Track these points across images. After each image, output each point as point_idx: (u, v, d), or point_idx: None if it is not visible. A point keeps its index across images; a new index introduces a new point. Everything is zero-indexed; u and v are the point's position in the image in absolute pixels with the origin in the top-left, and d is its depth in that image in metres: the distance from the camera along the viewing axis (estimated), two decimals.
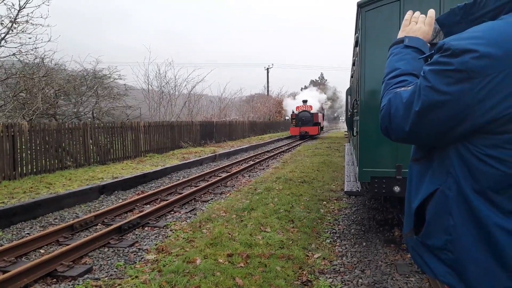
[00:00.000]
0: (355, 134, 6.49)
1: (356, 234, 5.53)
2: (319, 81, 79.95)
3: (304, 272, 4.16)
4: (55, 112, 14.61)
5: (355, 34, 6.73)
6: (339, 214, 6.58)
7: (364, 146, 4.90)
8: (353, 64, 9.48)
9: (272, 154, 17.32)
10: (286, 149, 20.25)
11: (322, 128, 36.22)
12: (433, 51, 1.21)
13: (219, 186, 9.49)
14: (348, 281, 3.99)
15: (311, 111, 30.29)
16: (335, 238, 5.40)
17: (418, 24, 1.41)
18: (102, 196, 8.29)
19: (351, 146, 10.32)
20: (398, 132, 1.19)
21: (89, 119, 15.76)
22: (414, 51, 1.35)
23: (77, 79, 16.16)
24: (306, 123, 29.11)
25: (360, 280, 3.99)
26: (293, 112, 30.80)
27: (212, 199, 8.06)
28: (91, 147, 11.94)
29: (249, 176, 11.13)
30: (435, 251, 1.16)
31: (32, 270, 4.02)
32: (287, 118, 43.03)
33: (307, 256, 4.64)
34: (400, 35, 1.42)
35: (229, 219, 5.98)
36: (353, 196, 6.47)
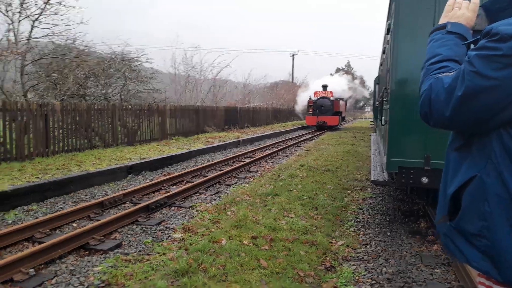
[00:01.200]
0: (383, 123, 6.40)
1: (381, 224, 5.51)
2: (345, 69, 78.56)
3: (328, 258, 4.20)
4: (85, 93, 14.99)
5: (387, 21, 6.58)
6: (363, 204, 6.56)
7: (393, 135, 4.84)
8: (383, 52, 9.28)
9: (296, 141, 17.28)
10: (310, 137, 20.15)
11: (343, 118, 32.00)
12: (477, 37, 1.19)
13: (242, 171, 9.58)
14: (372, 269, 4.00)
15: (331, 98, 26.44)
16: (359, 226, 5.39)
17: (461, 10, 1.38)
18: (130, 175, 8.53)
19: (377, 136, 10.19)
20: (438, 118, 1.19)
21: (117, 101, 16.09)
22: (456, 37, 1.33)
23: (106, 61, 16.47)
24: (324, 112, 25.02)
25: (384, 269, 3.99)
26: (310, 98, 26.74)
27: (236, 183, 8.16)
28: (119, 128, 12.22)
29: (272, 162, 11.18)
30: (469, 237, 1.17)
31: (66, 242, 4.21)
32: (298, 109, 35.63)
33: (331, 243, 4.66)
34: (442, 20, 1.40)
35: (253, 203, 6.05)
36: (379, 185, 6.42)
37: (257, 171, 9.62)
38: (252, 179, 8.49)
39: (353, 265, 4.09)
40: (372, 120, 26.36)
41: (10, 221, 5.25)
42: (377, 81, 12.23)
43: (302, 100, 32.69)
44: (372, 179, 5.37)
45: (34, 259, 3.81)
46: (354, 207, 6.32)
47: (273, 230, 4.82)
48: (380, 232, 5.14)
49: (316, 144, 15.74)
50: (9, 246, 4.36)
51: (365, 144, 15.50)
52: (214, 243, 4.31)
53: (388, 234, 5.08)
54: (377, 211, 6.12)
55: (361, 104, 69.74)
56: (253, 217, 5.27)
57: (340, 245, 4.61)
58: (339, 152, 12.43)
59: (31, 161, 8.62)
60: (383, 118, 6.59)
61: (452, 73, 1.17)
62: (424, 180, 4.61)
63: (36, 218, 5.34)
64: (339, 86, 34.59)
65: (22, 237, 4.52)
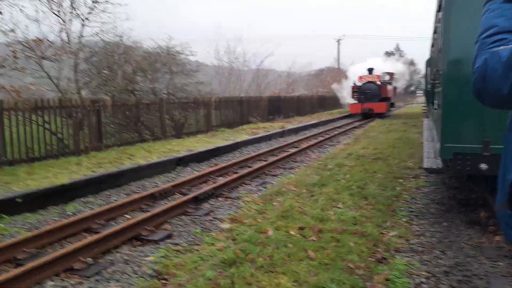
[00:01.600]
0: (436, 107, 6.04)
1: (436, 213, 5.23)
2: (394, 52, 75.29)
3: (379, 250, 4.05)
4: (133, 88, 15.51)
5: None
6: (416, 193, 6.26)
7: (447, 119, 4.54)
8: (435, 32, 8.74)
9: (343, 130, 16.89)
10: (358, 125, 19.60)
11: (392, 104, 28.54)
12: None
13: (288, 161, 9.51)
14: (426, 261, 3.80)
15: (378, 82, 23.82)
16: (412, 217, 5.16)
17: None
18: (178, 167, 8.75)
19: (430, 121, 9.68)
20: (494, 96, 1.07)
21: (164, 95, 16.54)
22: None
23: (152, 55, 16.92)
24: (370, 98, 22.65)
25: (440, 261, 3.78)
26: (354, 83, 24.39)
27: (281, 173, 8.11)
28: (167, 122, 12.58)
29: (318, 152, 10.99)
30: None
31: (120, 232, 4.39)
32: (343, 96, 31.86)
33: (382, 233, 4.50)
34: None
35: (299, 194, 5.98)
36: (433, 173, 6.10)
37: (303, 161, 9.50)
38: (298, 169, 8.40)
39: (407, 256, 3.91)
40: (424, 104, 24.32)
41: (69, 213, 5.57)
42: (429, 63, 11.60)
43: (346, 86, 30.01)
44: (424, 166, 5.10)
45: (92, 248, 4.01)
46: (406, 196, 6.06)
47: (321, 221, 4.73)
48: (435, 223, 4.88)
49: (365, 132, 15.29)
50: (69, 236, 4.62)
51: (418, 131, 14.82)
52: (261, 234, 4.30)
53: (444, 224, 4.81)
54: (431, 201, 5.82)
55: (412, 88, 66.74)
56: (300, 208, 5.20)
57: (392, 236, 4.43)
58: (389, 140, 11.98)
59: (87, 155, 9.09)
60: (435, 102, 6.23)
61: (510, 46, 1.04)
62: (483, 166, 4.30)
63: (93, 209, 5.62)
64: (386, 69, 30.24)
65: (81, 227, 4.77)
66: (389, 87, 25.27)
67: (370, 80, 23.62)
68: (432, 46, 9.76)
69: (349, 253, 3.85)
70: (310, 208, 5.19)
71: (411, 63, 59.64)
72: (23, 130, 8.18)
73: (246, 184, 7.16)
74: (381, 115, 23.14)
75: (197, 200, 5.87)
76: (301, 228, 4.45)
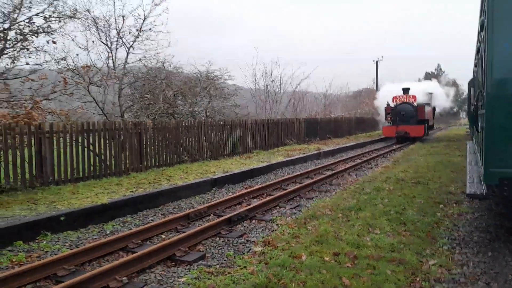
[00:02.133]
0: (479, 130, 5.79)
1: (480, 242, 4.93)
2: (435, 73, 73.03)
3: (417, 279, 3.85)
4: (173, 111, 16.05)
5: (480, 17, 5.99)
6: (459, 219, 5.95)
7: (491, 143, 4.33)
8: (477, 52, 8.46)
9: (382, 152, 16.48)
10: (397, 148, 19.06)
11: (431, 127, 26.88)
12: None
13: (323, 184, 9.37)
14: None
15: (415, 103, 22.28)
16: (454, 245, 4.88)
17: None
18: (214, 188, 8.85)
19: (474, 144, 9.26)
20: None
21: (203, 118, 16.95)
22: None
23: (192, 80, 17.51)
24: (406, 120, 21.22)
25: None
26: (388, 104, 22.73)
27: (316, 196, 7.99)
28: (205, 143, 12.84)
29: (355, 175, 10.76)
30: None
31: (156, 252, 4.47)
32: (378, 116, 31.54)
33: (421, 262, 4.28)
34: None
35: (334, 218, 5.85)
36: (477, 199, 5.79)
37: (339, 184, 9.32)
38: (333, 192, 8.24)
39: (447, 287, 3.70)
40: (467, 126, 23.61)
41: (108, 231, 5.76)
42: (472, 84, 11.19)
43: (381, 107, 28.33)
44: (467, 192, 4.85)
45: (127, 267, 4.11)
46: (448, 223, 5.76)
47: (357, 247, 4.59)
48: (479, 252, 4.59)
49: (405, 155, 14.83)
50: (107, 254, 4.76)
51: (460, 154, 14.18)
52: (294, 258, 4.23)
53: (489, 254, 4.51)
54: (475, 228, 5.50)
55: (454, 110, 64.26)
56: (335, 233, 5.08)
57: (432, 264, 4.21)
58: (430, 163, 11.54)
59: (127, 176, 9.42)
60: (479, 124, 5.97)
61: None
62: None
63: (130, 229, 5.78)
64: (424, 90, 28.60)
65: (118, 246, 4.91)
66: (427, 108, 23.35)
67: (405, 100, 22.21)
68: (475, 66, 9.44)
69: (385, 281, 3.69)
70: (346, 233, 5.06)
71: (454, 83, 57.61)
72: (70, 151, 8.63)
73: (280, 207, 7.11)
74: (418, 139, 21.59)
75: (231, 222, 5.89)
76: (336, 254, 4.34)
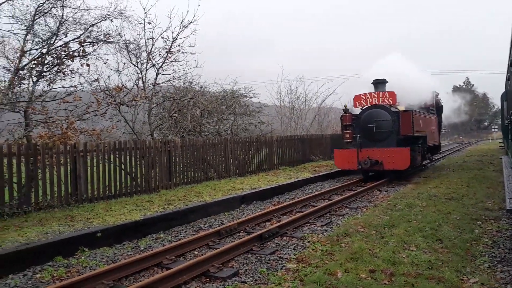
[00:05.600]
0: None
1: None
2: (464, 86, 71.18)
3: None
4: (200, 129, 16.32)
5: None
6: (498, 236, 5.73)
7: None
8: (510, 65, 8.28)
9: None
10: (427, 163, 18.60)
11: (434, 147, 16.19)
12: None
13: (353, 200, 9.24)
14: None
15: (394, 107, 12.52)
16: (495, 262, 4.71)
17: None
18: (242, 205, 8.88)
19: (510, 158, 8.96)
20: None
21: (229, 135, 17.15)
22: None
23: (218, 99, 17.81)
24: (377, 138, 12.11)
25: None
26: (344, 109, 12.89)
27: (347, 213, 7.88)
28: (231, 160, 12.95)
29: (386, 191, 10.56)
30: None
31: (190, 268, 4.51)
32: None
33: (461, 280, 4.15)
34: None
35: (368, 235, 5.76)
36: None
37: (370, 200, 9.17)
38: (365, 209, 8.12)
39: None
40: (501, 140, 21.30)
41: (142, 248, 5.85)
42: (504, 97, 10.90)
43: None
44: (508, 207, 4.70)
45: (164, 283, 4.15)
46: (486, 240, 5.56)
47: (393, 264, 4.50)
48: None
49: (435, 170, 14.47)
50: (142, 270, 4.84)
51: (495, 169, 13.72)
52: (330, 275, 4.19)
53: None
54: None
55: (485, 123, 62.17)
56: (370, 250, 5.00)
57: (473, 283, 4.07)
58: (463, 178, 11.21)
59: (157, 193, 9.58)
60: None
61: None
62: None
63: (163, 245, 5.86)
64: (420, 88, 14.15)
65: (153, 262, 4.98)
66: (424, 117, 13.52)
67: (377, 102, 12.16)
68: (508, 79, 9.22)
69: None
70: (381, 250, 4.97)
71: (484, 97, 56.00)
72: (102, 170, 8.88)
73: (310, 224, 7.05)
74: (399, 174, 12.17)
75: (262, 239, 5.88)
76: (372, 271, 4.26)
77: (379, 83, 12.72)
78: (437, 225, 6.10)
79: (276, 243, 5.88)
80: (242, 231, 6.62)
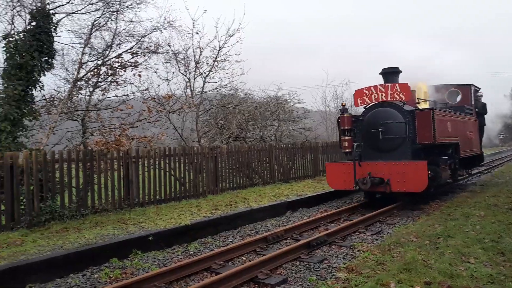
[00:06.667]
0: None
1: None
2: None
3: None
4: (245, 136, 16.50)
5: None
6: None
7: None
8: None
9: (466, 175, 15.25)
10: (483, 170, 17.57)
11: (479, 157, 12.81)
12: None
13: (404, 209, 8.88)
14: None
15: (406, 106, 9.06)
16: None
17: None
18: (288, 211, 8.83)
19: None
20: None
21: (273, 141, 17.18)
22: None
23: (263, 105, 17.93)
24: (384, 148, 8.91)
25: None
26: (341, 108, 9.69)
27: (398, 222, 7.61)
28: (275, 167, 12.95)
29: (439, 199, 10.06)
30: None
31: (239, 274, 4.54)
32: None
33: None
34: None
35: (421, 245, 5.51)
36: None
37: (422, 209, 8.77)
38: (417, 218, 7.78)
39: None
40: None
41: (191, 252, 5.98)
42: None
43: None
44: None
45: None
46: None
47: (450, 277, 4.26)
48: None
49: (493, 178, 13.62)
50: (192, 274, 4.94)
51: None
52: (382, 286, 4.05)
53: None
54: None
55: None
56: (424, 261, 4.78)
57: None
58: None
59: (204, 198, 9.77)
60: None
61: None
62: None
63: (212, 250, 5.95)
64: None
65: (202, 266, 5.07)
66: (459, 118, 10.57)
67: (385, 98, 8.97)
68: None
69: None
70: (436, 262, 4.73)
71: None
72: (153, 175, 9.21)
73: (359, 233, 6.87)
74: (414, 198, 9.00)
75: (310, 246, 5.81)
76: (427, 283, 4.07)
77: (389, 74, 9.50)
78: (498, 236, 5.72)
79: (325, 251, 5.79)
80: (289, 238, 6.59)
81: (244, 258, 5.62)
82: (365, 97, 9.24)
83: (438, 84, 11.84)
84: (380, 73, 9.69)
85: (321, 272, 4.86)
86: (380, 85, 9.09)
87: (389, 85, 8.98)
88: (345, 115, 9.42)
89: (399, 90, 8.80)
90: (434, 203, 9.15)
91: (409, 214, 8.20)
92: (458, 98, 12.14)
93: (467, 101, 12.09)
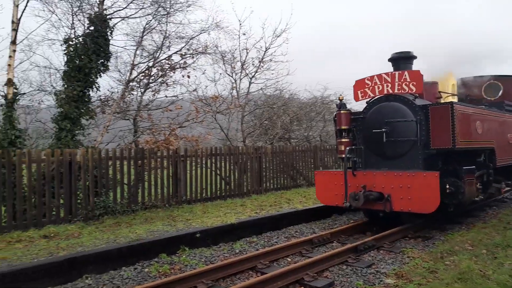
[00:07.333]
0: None
1: None
2: None
3: None
4: (289, 136, 16.43)
5: None
6: None
7: None
8: None
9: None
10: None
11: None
12: None
13: (457, 215, 8.43)
14: None
15: (418, 100, 7.00)
16: None
17: None
18: (334, 214, 8.68)
19: None
20: None
21: (318, 142, 16.97)
22: None
23: (308, 106, 17.77)
24: (388, 154, 7.05)
25: None
26: (338, 104, 7.79)
27: (451, 229, 7.23)
28: (321, 168, 12.77)
29: (495, 206, 9.48)
30: None
31: (285, 275, 4.53)
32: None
33: None
34: None
35: (478, 254, 5.22)
36: None
37: (478, 216, 8.29)
38: (471, 225, 7.37)
39: None
40: None
41: (237, 250, 6.05)
42: None
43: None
44: None
45: None
46: None
47: None
48: None
49: None
50: (238, 273, 4.99)
51: None
52: None
53: None
54: None
55: None
56: (480, 271, 4.52)
57: None
58: None
59: (249, 198, 9.85)
60: None
61: None
62: None
63: (257, 249, 5.98)
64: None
65: (248, 266, 5.11)
66: (495, 117, 8.31)
67: (392, 90, 7.03)
68: None
69: None
70: (494, 272, 4.46)
71: None
72: (200, 174, 9.42)
73: (409, 238, 6.61)
74: (419, 217, 7.21)
75: (357, 251, 5.67)
76: None
77: (402, 59, 7.57)
78: None
79: (372, 256, 5.63)
80: (335, 242, 6.48)
81: (289, 260, 5.60)
82: (367, 89, 7.34)
83: (472, 76, 9.89)
84: (389, 60, 7.76)
85: (369, 277, 4.74)
86: (385, 73, 7.14)
87: (396, 73, 7.02)
88: (342, 111, 7.53)
89: (408, 80, 6.81)
90: (491, 210, 8.62)
91: (463, 221, 7.78)
92: (500, 93, 9.77)
93: (509, 96, 9.74)
